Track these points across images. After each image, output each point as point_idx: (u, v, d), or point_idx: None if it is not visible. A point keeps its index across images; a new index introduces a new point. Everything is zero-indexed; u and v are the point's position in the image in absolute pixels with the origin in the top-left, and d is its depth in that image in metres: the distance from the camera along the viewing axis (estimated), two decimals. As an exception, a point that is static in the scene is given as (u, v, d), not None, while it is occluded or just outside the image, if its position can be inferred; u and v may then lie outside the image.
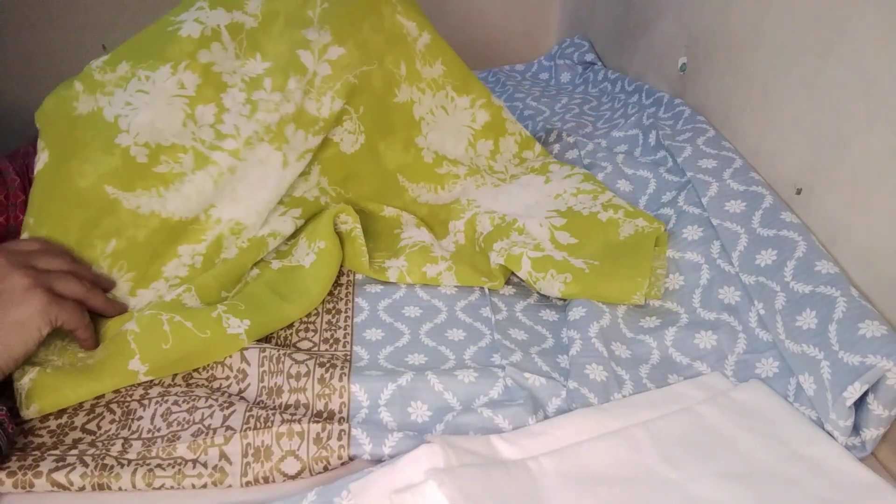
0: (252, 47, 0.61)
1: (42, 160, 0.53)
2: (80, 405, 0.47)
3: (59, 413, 0.46)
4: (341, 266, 0.61)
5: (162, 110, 0.56)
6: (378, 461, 0.43)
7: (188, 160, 0.56)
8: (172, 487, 0.41)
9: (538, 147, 0.75)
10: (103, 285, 0.52)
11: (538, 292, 0.59)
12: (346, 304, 0.58)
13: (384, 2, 0.65)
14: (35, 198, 0.53)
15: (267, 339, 0.53)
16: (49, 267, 0.48)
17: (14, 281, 0.44)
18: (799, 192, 0.54)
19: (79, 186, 0.53)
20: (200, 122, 0.57)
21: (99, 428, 0.45)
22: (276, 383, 0.48)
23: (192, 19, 0.58)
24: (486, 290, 0.59)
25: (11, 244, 0.49)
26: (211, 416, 0.45)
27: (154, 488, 0.41)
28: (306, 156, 0.61)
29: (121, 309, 0.52)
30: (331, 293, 0.59)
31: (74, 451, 0.43)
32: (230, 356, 0.50)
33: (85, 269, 0.51)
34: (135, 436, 0.44)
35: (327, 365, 0.48)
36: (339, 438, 0.43)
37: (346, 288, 0.60)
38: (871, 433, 0.42)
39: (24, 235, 0.52)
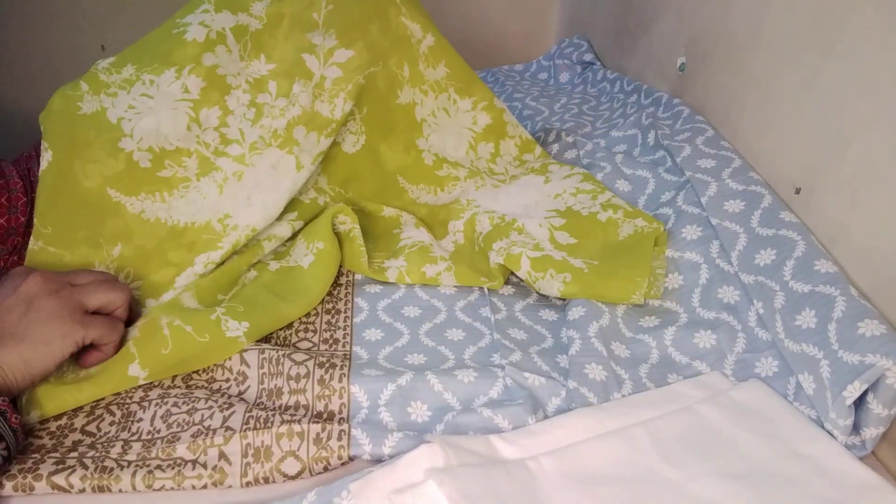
0: (256, 49, 0.61)
1: (46, 159, 0.53)
2: (80, 407, 0.47)
3: (59, 415, 0.46)
4: (340, 266, 0.61)
5: (166, 115, 0.56)
6: (378, 461, 0.43)
7: (192, 164, 0.56)
8: (172, 489, 0.41)
9: (538, 150, 0.75)
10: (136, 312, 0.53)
11: (537, 292, 0.59)
12: (345, 304, 0.58)
13: (390, 3, 0.65)
14: (40, 198, 0.53)
15: (266, 340, 0.53)
16: (86, 280, 0.48)
17: (43, 302, 0.44)
18: (798, 191, 0.55)
19: (83, 186, 0.54)
20: (205, 126, 0.57)
21: (99, 430, 0.45)
22: (275, 385, 0.48)
23: (198, 22, 0.58)
24: (486, 290, 0.59)
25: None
26: (211, 416, 0.45)
27: (154, 490, 0.41)
28: (319, 158, 0.61)
29: None
30: (330, 293, 0.59)
31: (74, 454, 0.43)
32: (230, 358, 0.50)
33: (125, 287, 0.52)
34: (134, 437, 0.44)
35: (327, 366, 0.48)
36: (339, 439, 0.43)
37: (346, 288, 0.60)
38: (870, 432, 0.42)
39: (33, 240, 0.52)
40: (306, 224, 0.63)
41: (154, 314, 0.49)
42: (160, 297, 0.54)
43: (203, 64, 0.57)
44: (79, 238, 0.53)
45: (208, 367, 0.50)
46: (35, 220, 0.53)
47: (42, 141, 0.54)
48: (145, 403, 0.47)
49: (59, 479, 0.41)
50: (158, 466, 0.42)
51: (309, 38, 0.61)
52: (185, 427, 0.44)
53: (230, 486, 0.42)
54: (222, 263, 0.57)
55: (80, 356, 0.47)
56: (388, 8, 0.65)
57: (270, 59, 0.61)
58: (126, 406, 0.47)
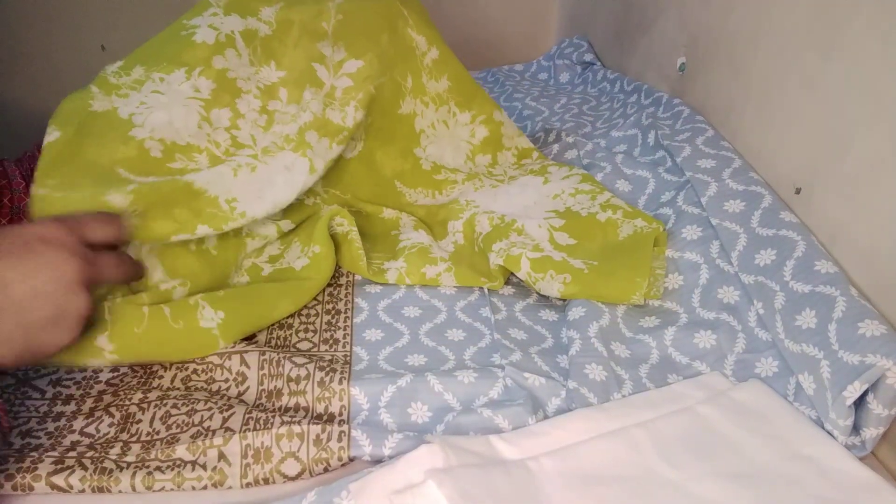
0: (266, 55, 0.61)
1: (52, 136, 0.51)
2: (79, 409, 0.47)
3: (58, 416, 0.46)
4: (341, 267, 0.61)
5: (178, 111, 0.56)
6: (378, 462, 0.43)
7: (203, 160, 0.56)
8: (172, 489, 0.41)
9: (535, 155, 0.76)
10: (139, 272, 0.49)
11: (537, 293, 0.59)
12: (345, 304, 0.58)
13: (398, 15, 0.66)
14: (42, 161, 0.50)
15: (266, 341, 0.53)
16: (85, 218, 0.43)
17: (78, 301, 0.39)
18: (798, 191, 0.54)
19: (90, 160, 0.51)
20: (216, 125, 0.57)
21: (98, 431, 0.45)
22: (275, 386, 0.48)
23: (207, 25, 0.58)
24: (486, 290, 0.59)
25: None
26: (210, 418, 0.45)
27: (154, 491, 0.41)
28: (330, 164, 0.61)
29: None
30: (330, 294, 0.59)
31: (73, 454, 0.42)
32: (229, 358, 0.50)
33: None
34: (133, 438, 0.44)
35: (327, 369, 0.48)
36: (339, 440, 0.43)
37: (346, 288, 0.60)
38: (870, 432, 0.42)
39: (36, 187, 0.48)
40: (298, 225, 0.63)
41: (140, 298, 0.48)
42: (146, 240, 0.51)
43: (213, 66, 0.57)
44: (87, 182, 0.49)
45: (208, 367, 0.50)
46: (36, 175, 0.49)
47: (48, 125, 0.52)
48: (144, 405, 0.47)
49: (59, 480, 0.41)
50: (158, 468, 0.42)
51: (319, 48, 0.62)
52: (185, 428, 0.44)
53: (230, 487, 0.42)
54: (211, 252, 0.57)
55: None
56: (396, 19, 0.66)
57: (280, 66, 0.61)
58: (125, 408, 0.47)
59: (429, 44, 0.68)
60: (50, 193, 0.48)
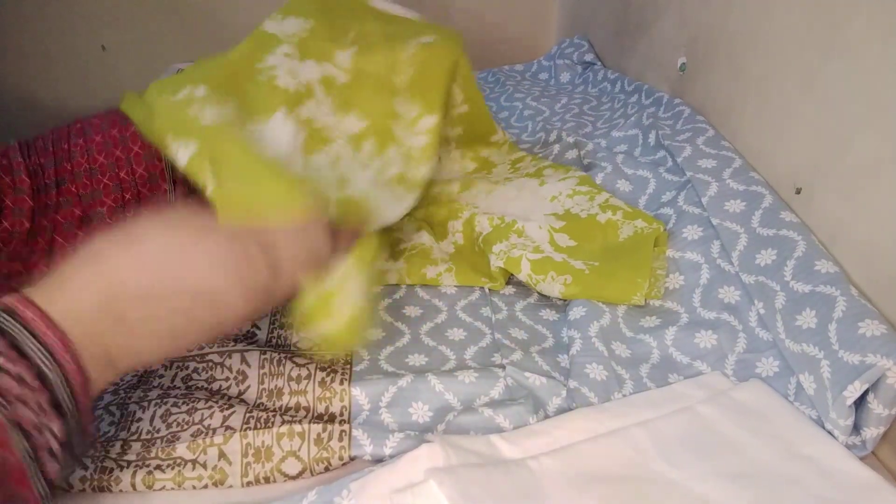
0: (346, 103, 0.60)
1: (187, 149, 0.47)
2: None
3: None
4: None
5: (287, 151, 0.54)
6: (379, 461, 0.43)
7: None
8: (173, 489, 0.41)
9: (529, 158, 0.76)
10: None
11: (538, 293, 0.59)
12: (346, 304, 0.58)
13: (457, 66, 0.66)
14: (196, 176, 0.46)
15: (267, 340, 0.53)
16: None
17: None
18: (798, 191, 0.55)
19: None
20: (318, 167, 0.56)
21: (97, 430, 0.45)
22: (276, 386, 0.48)
23: (286, 71, 0.56)
24: (487, 290, 0.59)
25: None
26: (210, 416, 0.45)
27: (154, 490, 0.41)
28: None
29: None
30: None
31: (74, 452, 0.43)
32: (230, 357, 0.50)
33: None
34: (134, 437, 0.44)
35: (328, 369, 0.48)
36: (340, 439, 0.43)
37: (346, 288, 0.59)
38: (871, 432, 0.42)
39: (210, 186, 0.45)
40: None
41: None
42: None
43: (300, 115, 0.56)
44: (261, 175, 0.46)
45: (208, 366, 0.50)
46: (198, 182, 0.46)
47: (172, 143, 0.48)
48: (144, 403, 0.47)
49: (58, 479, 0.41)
50: (158, 466, 0.42)
51: (394, 104, 0.62)
52: (185, 427, 0.44)
53: (231, 486, 0.42)
54: None
55: None
56: (455, 70, 0.66)
57: (361, 116, 0.60)
58: (125, 406, 0.47)
59: (464, 100, 0.69)
60: (229, 191, 0.45)
